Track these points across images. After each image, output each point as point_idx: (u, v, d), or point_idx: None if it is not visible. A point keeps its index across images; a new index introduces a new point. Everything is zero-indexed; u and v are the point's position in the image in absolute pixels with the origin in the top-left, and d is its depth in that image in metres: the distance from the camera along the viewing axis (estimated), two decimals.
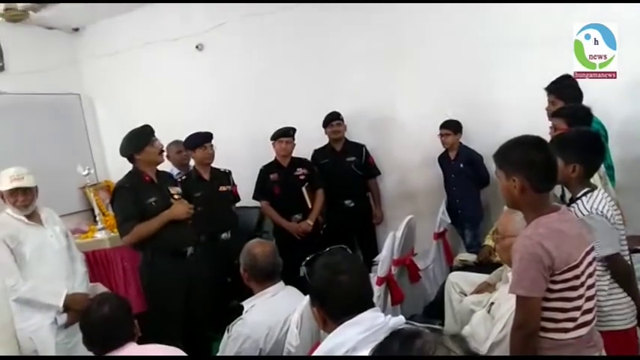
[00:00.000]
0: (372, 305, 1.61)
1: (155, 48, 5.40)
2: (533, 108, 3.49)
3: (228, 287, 4.35)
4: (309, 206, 4.47)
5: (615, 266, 2.18)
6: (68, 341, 3.12)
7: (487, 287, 3.10)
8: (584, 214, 2.14)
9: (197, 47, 5.35)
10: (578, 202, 2.19)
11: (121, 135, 5.66)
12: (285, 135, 4.39)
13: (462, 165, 4.35)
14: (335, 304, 1.60)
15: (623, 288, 2.18)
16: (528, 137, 1.91)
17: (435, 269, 4.19)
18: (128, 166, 3.62)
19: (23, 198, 3.12)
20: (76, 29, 5.82)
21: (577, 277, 1.80)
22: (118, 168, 5.19)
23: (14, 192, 3.09)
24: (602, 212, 2.15)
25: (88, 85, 5.84)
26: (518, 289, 1.81)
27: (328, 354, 1.53)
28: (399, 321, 1.56)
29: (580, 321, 1.83)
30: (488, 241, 3.74)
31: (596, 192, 2.22)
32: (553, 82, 3.27)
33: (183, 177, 4.27)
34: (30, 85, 5.09)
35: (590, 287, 1.86)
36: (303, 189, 4.46)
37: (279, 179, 4.45)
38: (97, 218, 5.01)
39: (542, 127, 2.80)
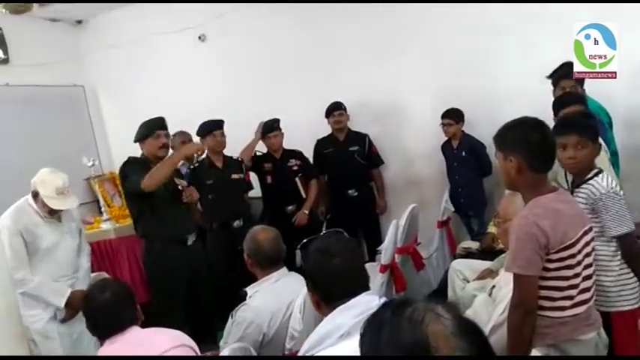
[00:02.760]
0: (366, 288, 1.60)
1: (158, 39, 5.42)
2: (536, 97, 3.48)
3: (238, 275, 4.39)
4: (304, 196, 4.49)
5: (628, 246, 2.19)
6: (72, 332, 3.13)
7: (490, 274, 3.11)
8: (602, 193, 2.16)
9: (199, 38, 5.37)
10: (592, 182, 2.20)
11: (125, 126, 5.70)
12: (271, 130, 4.42)
13: (464, 153, 4.35)
14: (327, 287, 1.61)
15: (632, 268, 2.19)
16: (527, 118, 1.93)
17: (439, 257, 4.20)
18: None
19: (58, 216, 3.10)
20: (80, 21, 5.84)
21: (573, 255, 1.83)
22: (123, 159, 5.26)
23: (54, 210, 3.02)
24: (617, 192, 2.17)
25: (92, 77, 5.87)
26: (514, 267, 1.84)
27: (323, 338, 1.52)
28: None
29: (577, 299, 1.86)
30: (491, 229, 3.74)
31: (606, 173, 2.23)
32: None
33: (196, 164, 4.28)
34: (34, 77, 5.11)
35: (587, 266, 1.89)
36: (297, 180, 4.49)
37: (272, 169, 4.48)
38: (102, 209, 5.04)
39: (545, 116, 2.80)
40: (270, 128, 4.42)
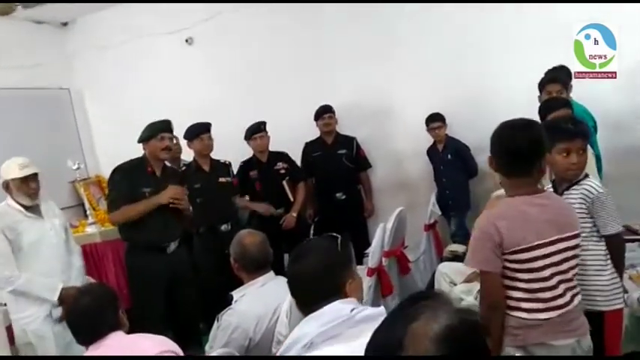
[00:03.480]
0: (339, 296, 1.51)
1: (145, 42, 5.39)
2: (523, 100, 3.49)
3: (225, 279, 4.36)
4: (292, 199, 4.48)
5: (618, 244, 2.22)
6: (66, 334, 3.08)
7: (476, 277, 3.10)
8: (599, 192, 2.17)
9: (187, 41, 5.34)
10: (586, 182, 2.21)
11: (111, 129, 5.69)
12: (257, 131, 4.38)
13: (449, 156, 4.40)
14: (293, 292, 1.60)
15: (616, 266, 2.21)
16: (512, 121, 1.91)
17: (426, 261, 4.20)
18: (119, 161, 3.62)
19: (35, 185, 3.11)
20: (65, 23, 5.78)
21: (533, 259, 1.82)
22: (109, 162, 5.21)
23: (26, 179, 3.07)
24: (608, 192, 2.19)
25: (78, 80, 5.81)
26: (472, 262, 1.91)
27: (288, 350, 1.46)
28: (373, 313, 1.43)
29: (551, 304, 1.84)
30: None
31: (591, 176, 2.26)
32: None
33: (183, 168, 4.26)
34: (19, 79, 5.04)
35: (564, 272, 1.87)
36: (284, 183, 4.48)
37: (259, 176, 4.45)
38: (88, 212, 5.00)
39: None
40: (255, 130, 4.39)
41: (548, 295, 1.85)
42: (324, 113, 4.63)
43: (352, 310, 1.44)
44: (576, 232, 1.92)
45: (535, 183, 1.92)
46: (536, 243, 1.83)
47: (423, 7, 4.44)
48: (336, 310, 1.45)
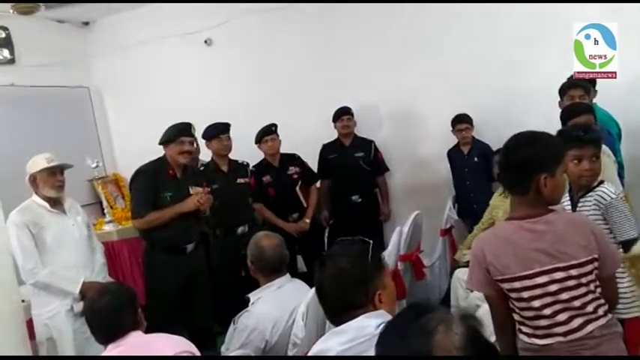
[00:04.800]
0: (366, 308, 1.47)
1: (164, 43, 5.41)
2: (546, 104, 3.50)
3: (242, 281, 4.38)
4: (305, 205, 4.45)
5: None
6: (85, 330, 3.13)
7: None
8: (612, 198, 2.15)
9: (206, 42, 5.36)
10: (600, 189, 2.19)
11: (129, 128, 5.73)
12: (268, 134, 4.32)
13: (476, 159, 4.33)
14: (320, 299, 1.56)
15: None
16: (521, 133, 1.82)
17: (441, 266, 4.19)
18: (137, 161, 3.65)
19: (62, 177, 3.16)
20: (86, 23, 5.83)
21: (522, 289, 1.74)
22: (127, 161, 5.27)
23: (54, 172, 3.11)
24: (622, 198, 2.18)
25: (98, 79, 5.85)
26: (469, 283, 1.91)
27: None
28: None
29: (549, 331, 1.76)
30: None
31: (608, 182, 2.24)
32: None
33: (201, 168, 4.22)
34: (40, 77, 5.10)
35: (566, 301, 1.73)
36: (297, 189, 4.43)
37: (273, 181, 4.39)
38: (105, 211, 5.04)
39: (553, 125, 2.79)
40: (266, 132, 4.33)
41: (544, 322, 1.76)
42: (343, 115, 4.62)
43: (378, 326, 1.36)
44: (583, 259, 1.73)
45: (534, 204, 1.76)
46: (520, 274, 1.73)
47: (440, 10, 4.43)
48: (359, 327, 1.42)
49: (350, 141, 4.70)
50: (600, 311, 1.77)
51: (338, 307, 1.48)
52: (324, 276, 1.53)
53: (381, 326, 1.31)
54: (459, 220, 4.45)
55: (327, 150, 4.75)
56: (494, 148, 4.20)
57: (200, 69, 5.43)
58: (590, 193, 2.19)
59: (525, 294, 1.74)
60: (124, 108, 5.82)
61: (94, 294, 2.09)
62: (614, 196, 2.16)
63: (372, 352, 1.28)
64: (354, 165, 4.63)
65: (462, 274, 3.33)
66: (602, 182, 2.22)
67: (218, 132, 4.10)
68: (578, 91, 3.30)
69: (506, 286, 1.77)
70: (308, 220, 4.39)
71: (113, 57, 5.67)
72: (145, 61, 5.57)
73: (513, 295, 1.78)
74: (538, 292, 1.73)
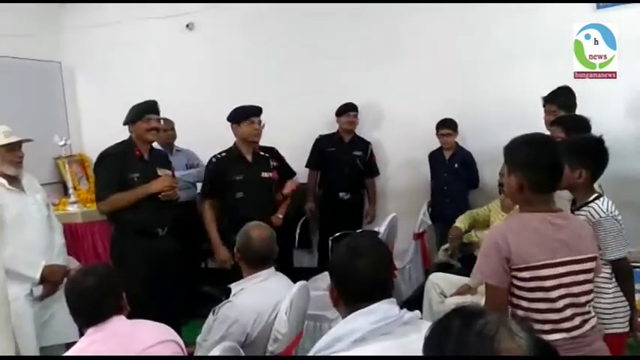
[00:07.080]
0: (388, 296, 1.54)
1: (144, 24, 5.27)
2: (531, 110, 3.47)
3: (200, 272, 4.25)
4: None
5: (622, 269, 2.23)
6: (43, 313, 3.02)
7: (468, 290, 3.14)
8: (601, 216, 2.17)
9: (187, 26, 5.24)
10: (592, 205, 2.21)
11: (99, 108, 5.53)
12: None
13: (456, 165, 4.35)
14: (348, 287, 1.56)
15: (624, 291, 2.23)
16: (536, 137, 1.92)
17: (412, 269, 4.23)
18: (105, 142, 3.51)
19: (21, 153, 3.00)
20: None
21: (544, 278, 1.79)
22: (94, 141, 5.08)
23: (12, 147, 2.96)
24: (616, 216, 2.20)
25: (71, 55, 5.63)
26: (477, 272, 1.90)
27: (335, 341, 1.47)
28: (414, 316, 1.53)
29: (557, 326, 1.81)
30: (460, 224, 3.75)
31: (605, 197, 2.26)
32: (552, 93, 3.30)
33: (223, 154, 3.64)
34: (10, 48, 4.89)
35: (575, 295, 1.82)
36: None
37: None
38: (70, 191, 4.86)
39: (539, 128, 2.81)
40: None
41: (553, 316, 1.81)
42: (350, 110, 4.56)
43: (398, 311, 1.51)
44: (592, 255, 1.88)
45: (554, 200, 1.90)
46: (545, 262, 1.79)
47: (425, 11, 4.43)
48: (386, 309, 1.50)
49: (350, 138, 4.66)
50: (592, 311, 1.90)
51: (369, 294, 1.52)
52: (361, 265, 1.55)
53: (402, 311, 1.51)
54: (432, 226, 4.48)
55: (324, 142, 4.68)
56: (476, 157, 4.29)
57: (180, 53, 5.29)
58: (584, 207, 2.23)
59: (546, 283, 1.79)
60: (96, 87, 5.63)
61: (77, 274, 1.98)
62: (603, 215, 2.18)
63: (395, 334, 1.45)
64: (350, 162, 4.60)
65: (436, 278, 3.35)
66: (599, 197, 2.25)
67: (250, 114, 3.59)
68: (551, 107, 3.26)
69: (526, 275, 1.79)
70: (280, 216, 4.25)
71: (88, 34, 5.48)
72: (122, 42, 5.40)
73: (531, 284, 1.80)
74: (557, 282, 1.81)
